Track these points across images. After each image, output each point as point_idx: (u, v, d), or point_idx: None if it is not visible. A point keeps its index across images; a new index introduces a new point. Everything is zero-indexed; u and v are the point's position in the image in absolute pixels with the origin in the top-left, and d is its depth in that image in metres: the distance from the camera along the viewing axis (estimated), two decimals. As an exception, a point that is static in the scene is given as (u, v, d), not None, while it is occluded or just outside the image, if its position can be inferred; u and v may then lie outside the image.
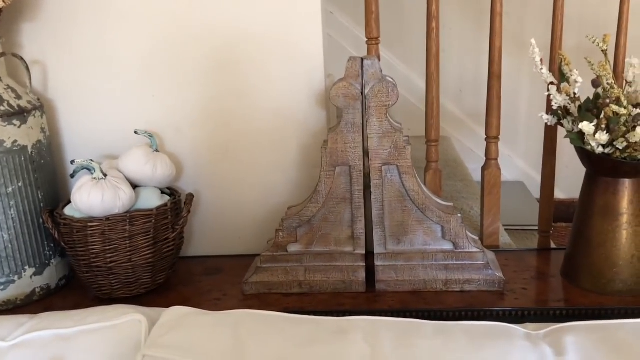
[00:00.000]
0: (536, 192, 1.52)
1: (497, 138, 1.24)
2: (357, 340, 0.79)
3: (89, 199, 1.00)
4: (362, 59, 1.01)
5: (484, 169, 1.27)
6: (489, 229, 1.28)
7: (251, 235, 1.26)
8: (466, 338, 0.80)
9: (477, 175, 1.78)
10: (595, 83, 0.94)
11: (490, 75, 1.20)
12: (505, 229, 1.63)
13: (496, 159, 1.26)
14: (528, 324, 0.87)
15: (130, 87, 1.20)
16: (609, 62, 0.97)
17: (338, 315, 0.92)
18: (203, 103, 1.20)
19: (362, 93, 1.02)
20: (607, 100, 0.90)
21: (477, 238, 1.11)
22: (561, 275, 1.11)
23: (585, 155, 1.01)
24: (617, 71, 1.18)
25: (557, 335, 0.81)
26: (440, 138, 1.26)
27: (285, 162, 1.23)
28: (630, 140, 0.90)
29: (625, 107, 0.92)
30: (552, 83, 1.02)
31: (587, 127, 0.91)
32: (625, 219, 1.01)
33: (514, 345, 0.78)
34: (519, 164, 2.41)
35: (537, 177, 1.27)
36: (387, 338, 0.80)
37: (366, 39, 1.21)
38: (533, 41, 1.04)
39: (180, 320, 0.83)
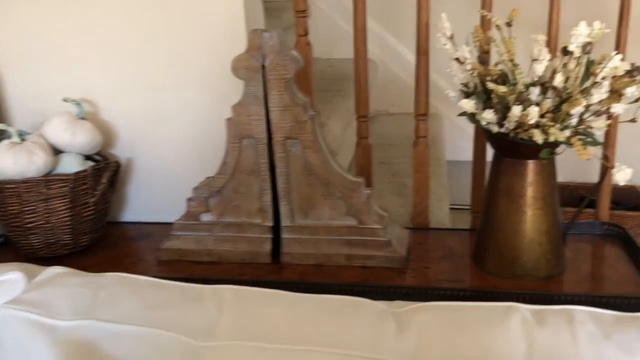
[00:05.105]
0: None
1: (425, 115, 1.22)
2: (207, 307, 0.81)
3: (1, 162, 1.06)
4: (262, 32, 1.01)
5: (413, 146, 1.25)
6: (418, 207, 1.26)
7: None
8: (316, 310, 0.81)
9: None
10: (481, 59, 0.91)
11: (417, 52, 1.18)
12: (458, 208, 1.61)
13: (425, 137, 1.24)
14: (397, 302, 0.87)
15: (69, 57, 1.25)
16: (510, 38, 0.94)
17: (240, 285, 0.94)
18: (135, 73, 1.24)
19: (263, 66, 1.02)
20: (488, 78, 0.87)
21: (386, 215, 1.10)
22: (471, 256, 1.09)
23: (486, 134, 0.98)
24: (551, 48, 1.13)
25: (412, 313, 0.81)
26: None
27: (216, 133, 1.25)
28: (511, 120, 0.87)
29: (513, 85, 0.88)
30: (456, 59, 0.99)
31: (466, 104, 0.88)
32: (525, 201, 0.98)
33: (359, 319, 0.79)
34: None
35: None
36: (239, 306, 0.82)
37: (294, 12, 1.20)
38: (444, 15, 1.01)
39: (51, 279, 0.87)
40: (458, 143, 2.31)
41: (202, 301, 0.83)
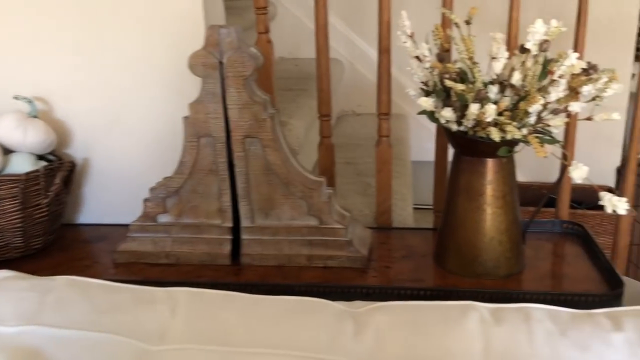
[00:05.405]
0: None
1: (387, 115, 1.22)
2: (160, 310, 0.79)
3: (-53, 162, 1.01)
4: (220, 28, 0.99)
5: (376, 146, 1.24)
6: (381, 207, 1.26)
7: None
8: (272, 312, 0.79)
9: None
10: (439, 57, 0.91)
11: (379, 50, 1.17)
12: (423, 208, 1.61)
13: (387, 136, 1.23)
14: (356, 302, 0.86)
15: (22, 54, 1.20)
16: (469, 36, 0.93)
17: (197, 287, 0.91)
18: (92, 71, 1.20)
19: (220, 63, 1.00)
20: (447, 76, 0.87)
21: (347, 214, 1.09)
22: (432, 256, 1.09)
23: (446, 132, 0.98)
24: (511, 47, 1.13)
25: (370, 313, 0.80)
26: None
27: (176, 132, 1.22)
28: (469, 118, 0.87)
29: (472, 83, 0.88)
30: (417, 57, 0.98)
31: (424, 102, 0.88)
32: (485, 199, 0.98)
33: (316, 321, 0.77)
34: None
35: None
36: (193, 309, 0.80)
37: (254, 9, 1.18)
38: (404, 13, 1.00)
39: (-2, 283, 0.84)
40: (424, 143, 2.31)
41: (155, 304, 0.80)
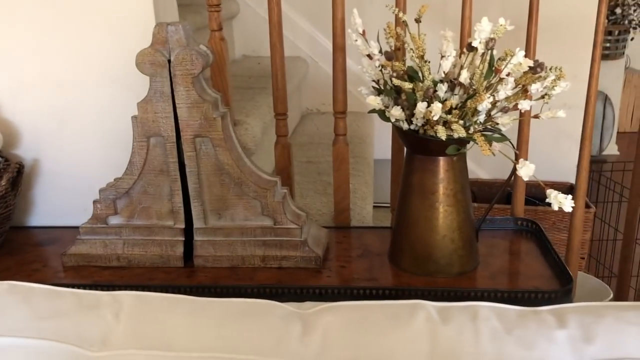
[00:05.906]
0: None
1: (343, 113, 1.21)
2: (103, 315, 0.77)
3: None
4: (167, 25, 0.97)
5: (333, 145, 1.23)
6: (339, 206, 1.25)
7: (96, 207, 1.23)
8: (219, 315, 0.78)
9: None
10: (387, 55, 0.90)
11: (334, 48, 1.16)
12: (385, 207, 1.61)
13: (344, 135, 1.23)
14: (307, 303, 0.85)
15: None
16: (417, 34, 0.93)
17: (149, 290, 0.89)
18: (41, 69, 1.17)
19: (168, 61, 0.98)
20: (394, 74, 0.86)
21: (303, 214, 1.08)
22: (387, 254, 1.09)
23: (398, 131, 0.98)
24: (463, 45, 1.14)
25: (319, 314, 0.79)
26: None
27: (127, 132, 1.19)
28: (418, 116, 0.86)
29: (421, 82, 0.88)
30: (368, 56, 0.98)
31: (372, 100, 0.87)
32: (437, 198, 0.98)
33: (262, 323, 0.76)
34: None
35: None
36: (137, 313, 0.78)
37: (207, 6, 1.16)
38: (355, 11, 1.00)
39: None
40: (388, 142, 2.31)
41: (98, 309, 0.78)
